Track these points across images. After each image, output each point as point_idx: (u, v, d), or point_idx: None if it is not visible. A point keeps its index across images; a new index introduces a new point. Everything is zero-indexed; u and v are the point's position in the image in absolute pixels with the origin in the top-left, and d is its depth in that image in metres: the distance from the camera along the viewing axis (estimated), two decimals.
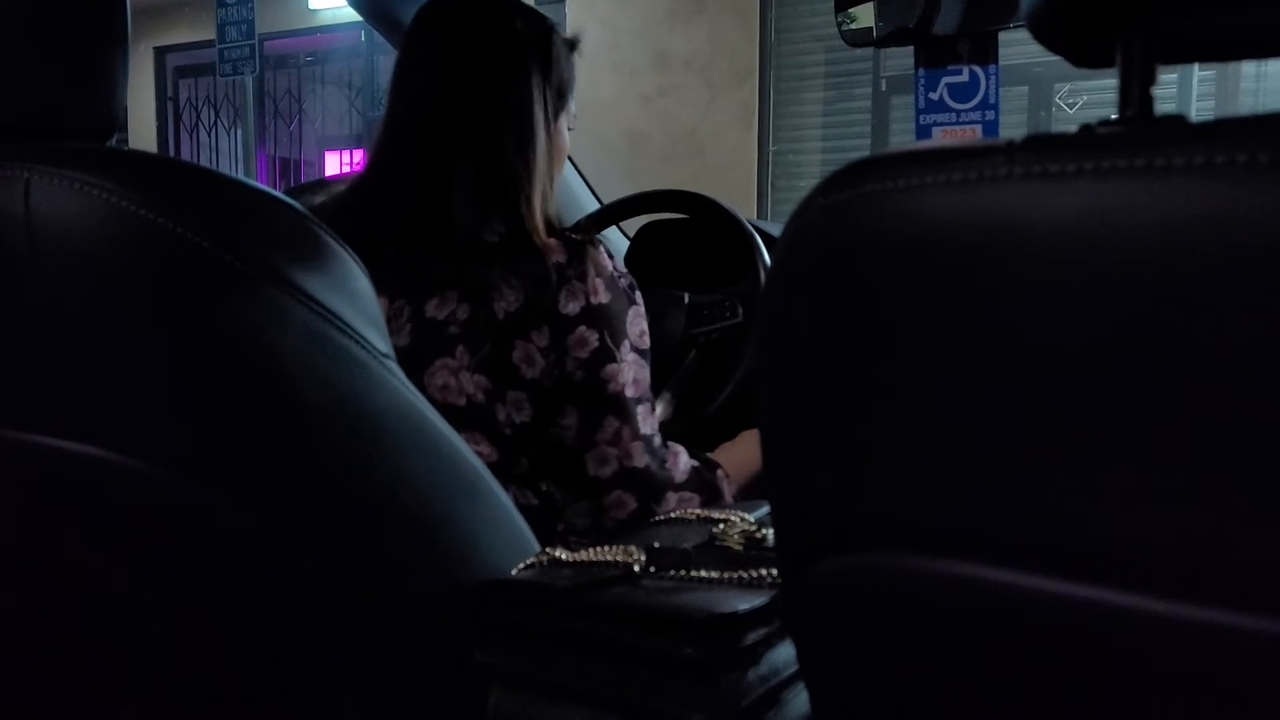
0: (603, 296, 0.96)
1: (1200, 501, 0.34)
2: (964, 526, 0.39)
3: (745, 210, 1.45)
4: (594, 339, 0.95)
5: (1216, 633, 0.34)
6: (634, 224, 1.65)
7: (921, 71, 1.18)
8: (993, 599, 0.39)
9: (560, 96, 1.05)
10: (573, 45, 1.08)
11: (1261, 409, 0.32)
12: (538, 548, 0.80)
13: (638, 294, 1.01)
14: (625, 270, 1.01)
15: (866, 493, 0.42)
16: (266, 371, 0.63)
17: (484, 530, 0.76)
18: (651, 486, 0.97)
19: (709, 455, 1.09)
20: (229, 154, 7.02)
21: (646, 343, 1.01)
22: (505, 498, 0.79)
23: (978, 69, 1.14)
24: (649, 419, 0.99)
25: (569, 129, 1.09)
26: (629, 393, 0.97)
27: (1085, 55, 0.43)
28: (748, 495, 1.10)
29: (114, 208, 0.60)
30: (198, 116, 7.19)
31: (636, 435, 0.97)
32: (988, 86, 1.14)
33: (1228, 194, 0.32)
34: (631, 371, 0.97)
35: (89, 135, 0.70)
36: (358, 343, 0.66)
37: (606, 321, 0.96)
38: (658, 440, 1.00)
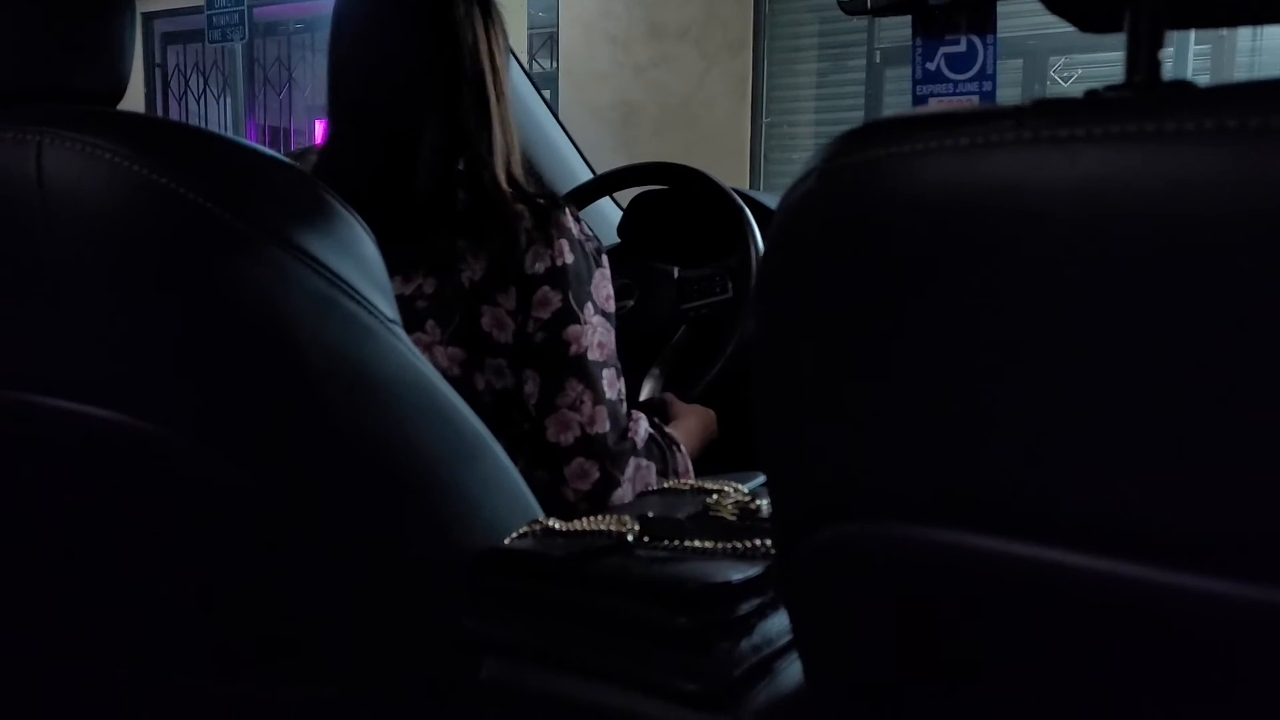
0: (567, 257, 0.94)
1: (1199, 471, 0.33)
2: (963, 496, 0.39)
3: (738, 182, 1.44)
4: (557, 299, 0.93)
5: (1210, 600, 0.34)
6: (627, 196, 1.64)
7: (919, 41, 1.17)
8: (990, 568, 0.39)
9: (502, 58, 1.01)
10: None
11: (1265, 379, 0.32)
12: (541, 513, 0.80)
13: (604, 258, 1.00)
14: (592, 234, 1.00)
15: (865, 462, 0.42)
16: (273, 335, 0.64)
17: (487, 494, 0.76)
18: (613, 454, 0.94)
19: (666, 429, 1.07)
20: (218, 122, 6.95)
21: (613, 307, 0.99)
22: (509, 463, 0.79)
23: (976, 39, 1.13)
24: (615, 384, 0.97)
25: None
26: (592, 355, 0.95)
27: (1093, 20, 0.42)
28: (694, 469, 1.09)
29: (123, 170, 0.61)
30: (186, 84, 7.11)
31: (600, 400, 0.94)
32: (985, 57, 1.13)
33: (1237, 160, 0.32)
34: (596, 334, 0.95)
35: (98, 99, 0.71)
36: (365, 308, 0.66)
37: (570, 282, 0.94)
38: (623, 407, 0.98)
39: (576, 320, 0.94)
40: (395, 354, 0.69)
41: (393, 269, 0.92)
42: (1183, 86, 0.36)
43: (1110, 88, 0.38)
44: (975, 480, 0.38)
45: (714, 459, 1.17)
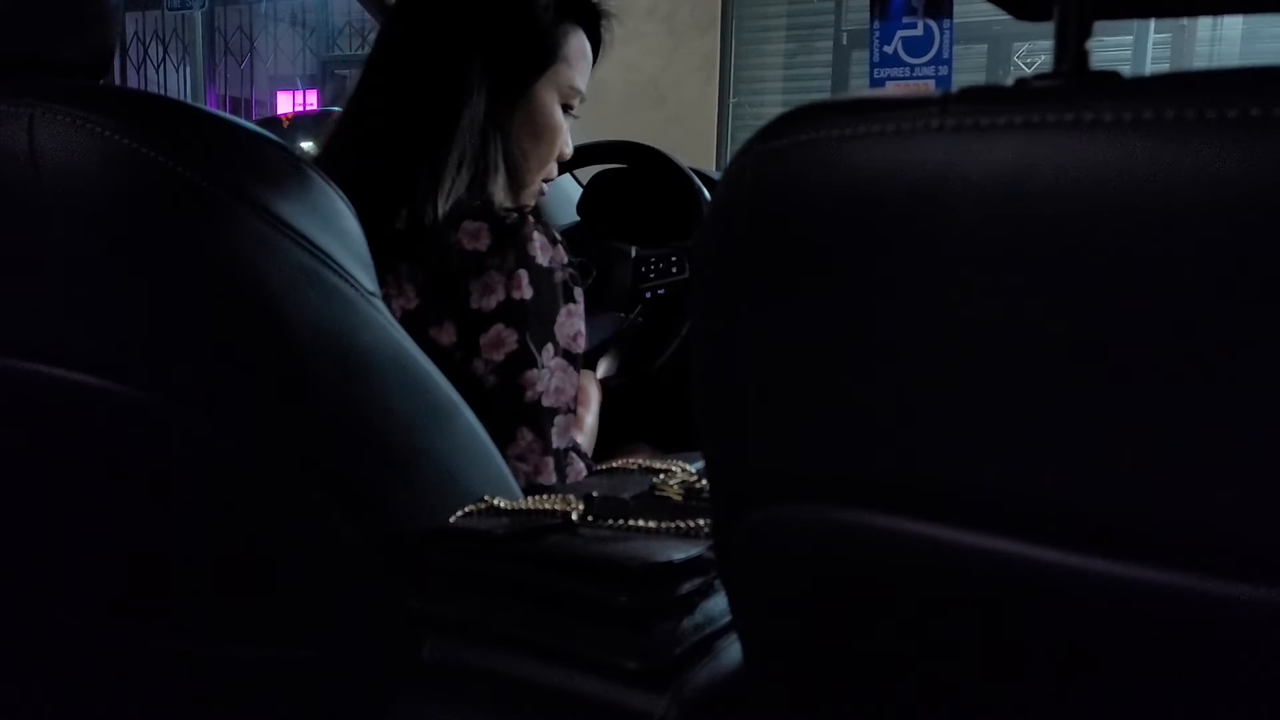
0: (525, 291, 0.84)
1: (1121, 458, 0.34)
2: (892, 480, 0.39)
3: (705, 162, 1.44)
4: (512, 340, 0.84)
5: (1139, 587, 0.35)
6: (589, 173, 1.63)
7: (877, 24, 1.17)
8: (921, 553, 0.39)
9: (516, 68, 0.95)
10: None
11: (1182, 366, 0.32)
12: (514, 485, 0.80)
13: (578, 291, 0.90)
14: (568, 260, 0.89)
15: (797, 445, 0.42)
16: (257, 305, 0.65)
17: (464, 463, 0.77)
18: None
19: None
20: (177, 92, 6.82)
21: (580, 346, 0.90)
22: (482, 431, 0.78)
23: (932, 23, 1.13)
24: (566, 433, 0.89)
25: (564, 98, 1.00)
26: (547, 402, 0.86)
27: (1025, 7, 0.43)
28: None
29: (113, 144, 0.62)
30: (145, 52, 6.98)
31: (548, 450, 0.86)
32: (942, 41, 1.13)
33: (1159, 150, 0.32)
34: (554, 379, 0.87)
35: (83, 71, 0.72)
36: (347, 281, 0.68)
37: (529, 322, 0.85)
38: (568, 456, 0.90)
39: (534, 365, 0.85)
40: (375, 325, 0.70)
41: None
42: (1108, 77, 0.36)
43: (1039, 76, 0.38)
44: (902, 464, 0.38)
45: (664, 440, 1.17)
